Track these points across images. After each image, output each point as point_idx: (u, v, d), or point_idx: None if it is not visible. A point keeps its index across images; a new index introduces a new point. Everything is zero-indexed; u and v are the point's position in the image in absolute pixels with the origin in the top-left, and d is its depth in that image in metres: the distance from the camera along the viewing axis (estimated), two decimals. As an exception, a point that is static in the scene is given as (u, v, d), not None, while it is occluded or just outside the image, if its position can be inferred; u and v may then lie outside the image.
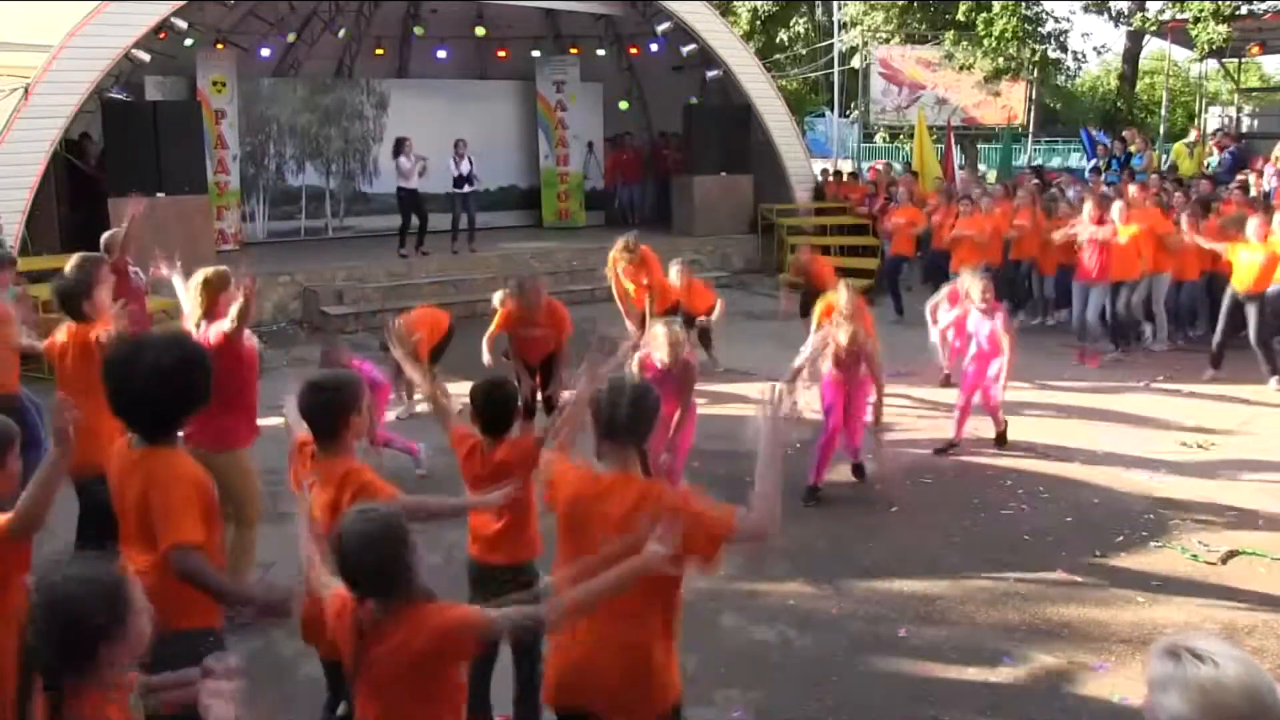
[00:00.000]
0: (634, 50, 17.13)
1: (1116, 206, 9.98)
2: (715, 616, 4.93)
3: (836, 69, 21.50)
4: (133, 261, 6.97)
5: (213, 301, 4.84)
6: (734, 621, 4.92)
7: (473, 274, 12.63)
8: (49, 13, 12.10)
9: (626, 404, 2.76)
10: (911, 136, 18.68)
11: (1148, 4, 19.53)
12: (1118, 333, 10.08)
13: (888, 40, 20.55)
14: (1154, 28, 18.26)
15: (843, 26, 21.44)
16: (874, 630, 4.83)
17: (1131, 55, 22.17)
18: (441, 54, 16.86)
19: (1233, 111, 19.98)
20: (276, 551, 4.92)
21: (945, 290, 8.90)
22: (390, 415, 8.01)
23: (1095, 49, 46.63)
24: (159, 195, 11.53)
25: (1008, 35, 18.22)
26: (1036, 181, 13.64)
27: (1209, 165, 14.86)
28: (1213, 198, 11.62)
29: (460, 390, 7.60)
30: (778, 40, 26.18)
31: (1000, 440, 7.37)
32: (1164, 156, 16.36)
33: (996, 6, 18.32)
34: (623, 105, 18.00)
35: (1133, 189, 11.22)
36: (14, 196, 10.47)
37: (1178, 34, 17.24)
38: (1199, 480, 6.72)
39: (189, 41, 13.31)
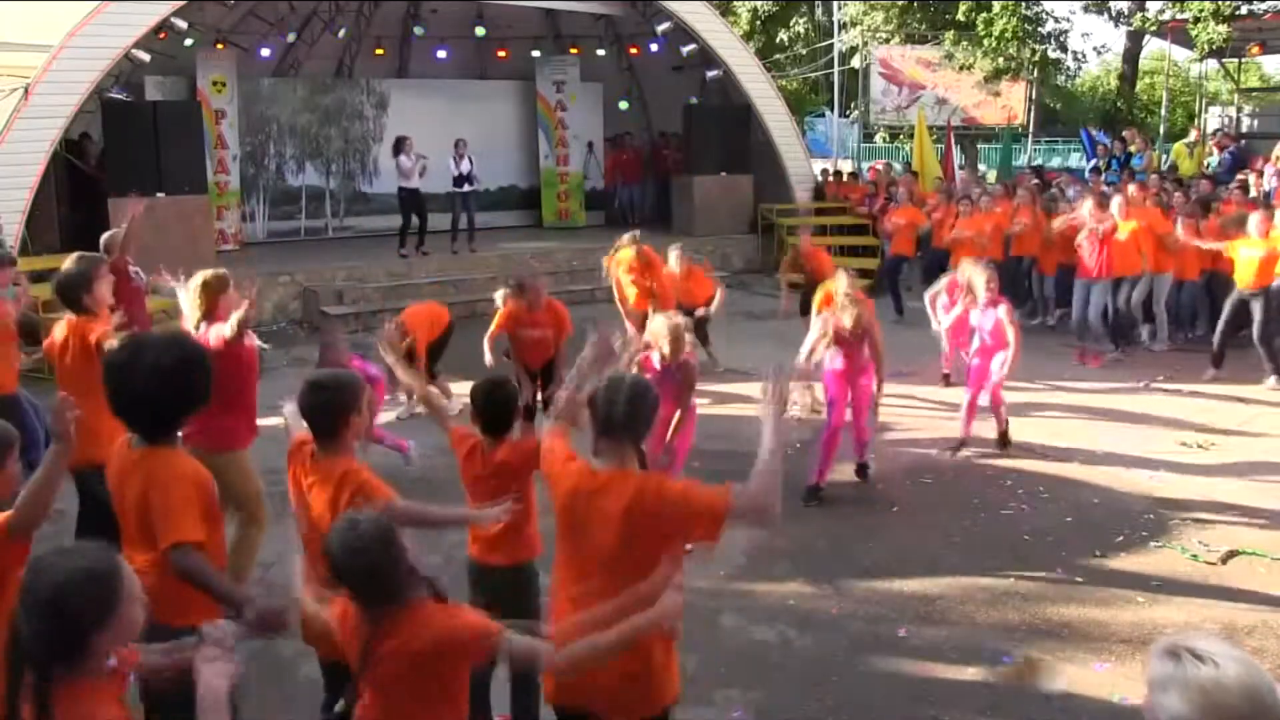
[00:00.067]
0: (634, 50, 17.14)
1: (1116, 201, 9.99)
2: (715, 616, 4.93)
3: (836, 69, 21.50)
4: (133, 261, 6.98)
5: (212, 304, 4.84)
6: (734, 621, 4.92)
7: (473, 274, 12.62)
8: (49, 13, 12.10)
9: (624, 401, 2.75)
10: (911, 136, 18.68)
11: (1148, 4, 19.53)
12: (1118, 332, 10.08)
13: (888, 40, 20.54)
14: (1154, 28, 18.26)
15: (843, 26, 21.44)
16: (874, 630, 4.83)
17: (1131, 55, 22.16)
18: (441, 54, 16.87)
19: (1233, 111, 19.98)
20: (277, 551, 4.92)
21: (944, 280, 8.90)
22: (390, 415, 8.03)
23: (1095, 49, 46.67)
24: (159, 195, 11.54)
25: (1008, 35, 18.22)
26: (1036, 181, 13.64)
27: (1209, 165, 14.86)
28: (1213, 198, 11.62)
29: (461, 390, 7.62)
30: (778, 40, 26.18)
31: (1003, 441, 7.29)
32: (1164, 156, 16.35)
33: (996, 6, 18.32)
34: (623, 105, 18.01)
35: (1132, 188, 11.23)
36: (14, 196, 10.47)
37: (1178, 34, 17.24)
38: (1199, 480, 6.72)
39: (189, 41, 13.31)
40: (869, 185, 16.34)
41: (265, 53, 15.59)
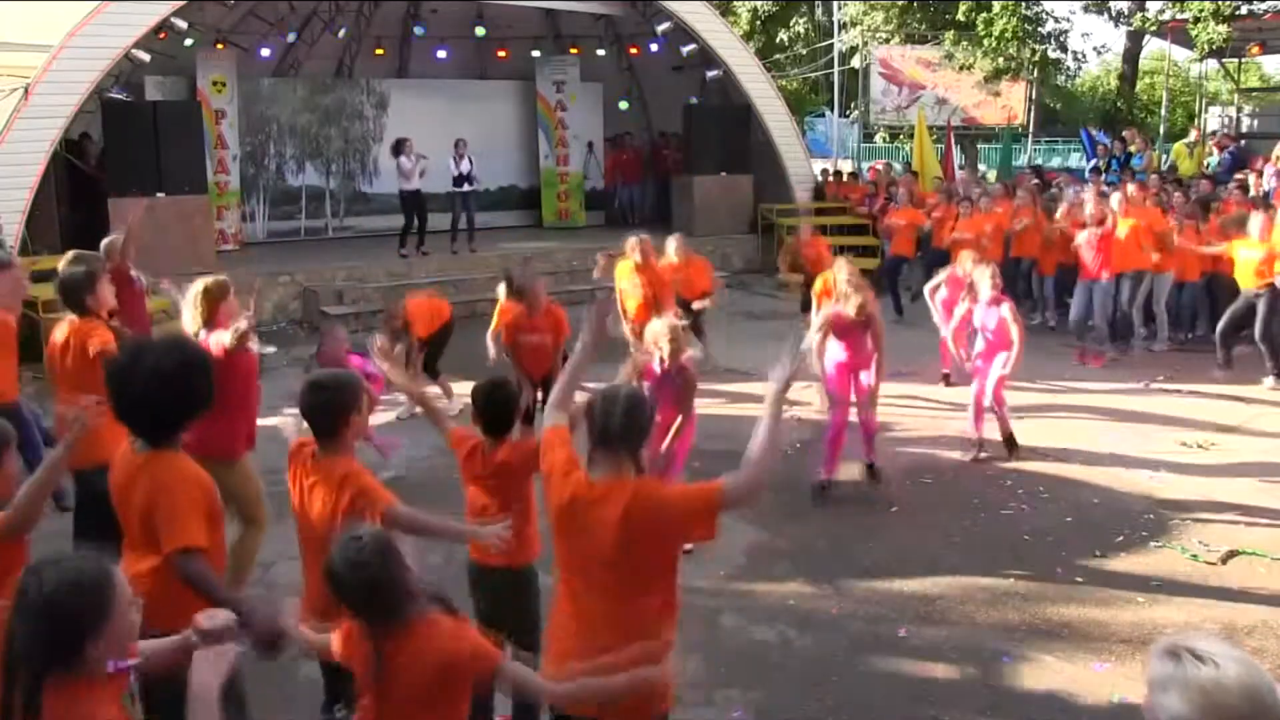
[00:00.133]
0: (634, 50, 17.14)
1: (1115, 199, 10.00)
2: (715, 616, 4.93)
3: (836, 69, 21.50)
4: (134, 265, 6.98)
5: (213, 310, 4.82)
6: (734, 621, 4.92)
7: (473, 274, 12.62)
8: (49, 13, 12.10)
9: (620, 412, 2.74)
10: (911, 136, 18.68)
11: (1148, 4, 19.52)
12: (1117, 332, 10.08)
13: (888, 40, 20.54)
14: (1154, 28, 18.25)
15: (843, 26, 21.44)
16: (874, 630, 4.83)
17: (1131, 55, 22.16)
18: (441, 54, 16.87)
19: (1233, 111, 19.99)
20: (277, 551, 4.92)
21: (944, 274, 8.91)
22: (390, 415, 8.03)
23: (1095, 49, 46.61)
24: (159, 195, 11.55)
25: (1008, 35, 18.21)
26: (1036, 181, 13.64)
27: (1209, 165, 14.86)
28: (1212, 198, 11.63)
29: (462, 390, 7.62)
30: (778, 40, 26.17)
31: (1009, 445, 7.17)
32: (1164, 156, 16.36)
33: (996, 6, 18.31)
34: (623, 105, 18.01)
35: (1131, 188, 11.23)
36: (14, 196, 10.47)
37: (1178, 34, 17.24)
38: (1199, 480, 6.72)
39: (189, 41, 13.32)
40: (869, 185, 16.34)
41: (265, 53, 15.59)
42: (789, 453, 7.14)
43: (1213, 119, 20.70)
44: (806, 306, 8.79)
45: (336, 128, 15.89)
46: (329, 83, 16.35)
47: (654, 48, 16.18)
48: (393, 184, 13.83)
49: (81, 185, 12.46)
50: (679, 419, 5.50)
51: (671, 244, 9.15)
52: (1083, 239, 9.71)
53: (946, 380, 9.03)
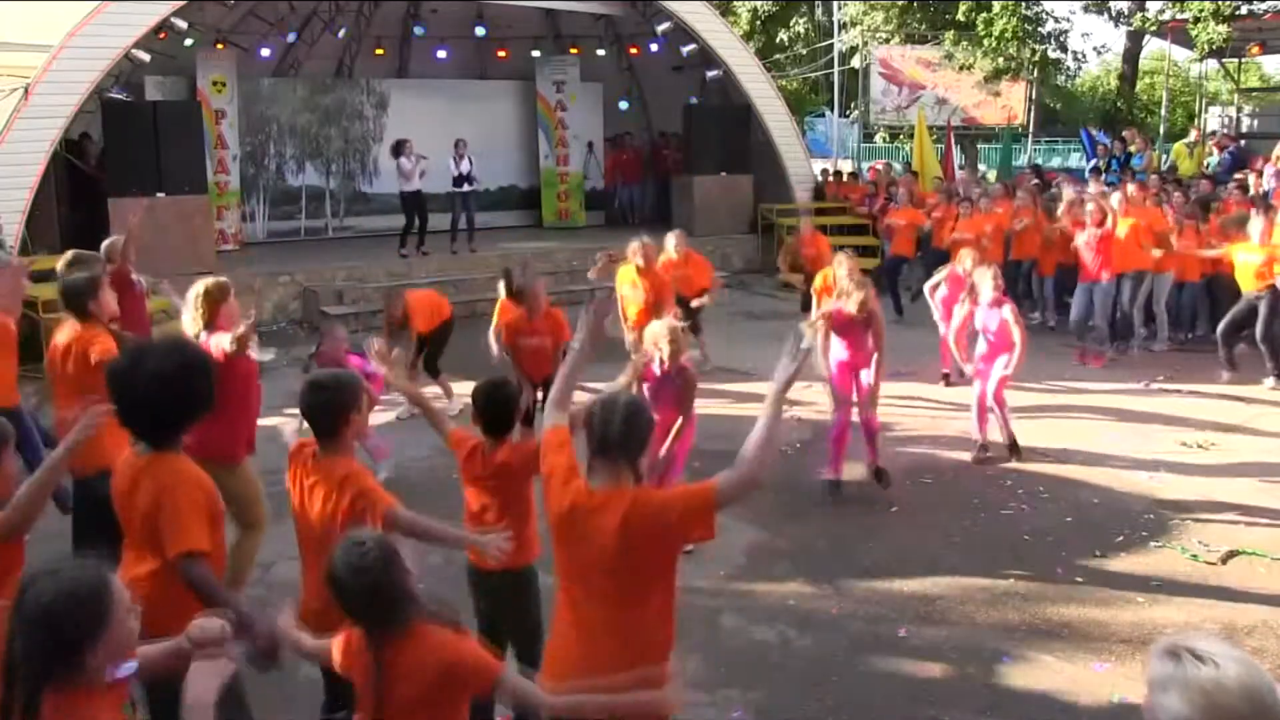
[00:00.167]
0: (634, 50, 17.14)
1: (1114, 198, 10.00)
2: (715, 616, 4.93)
3: (836, 69, 21.50)
4: (134, 267, 6.98)
5: (213, 312, 4.81)
6: (734, 621, 4.92)
7: (473, 274, 12.62)
8: (49, 13, 12.10)
9: (619, 421, 2.73)
10: (911, 136, 18.68)
11: (1148, 4, 19.52)
12: (1117, 332, 10.08)
13: (888, 40, 20.54)
14: (1154, 28, 18.25)
15: (843, 26, 21.44)
16: (874, 630, 4.83)
17: (1131, 55, 22.16)
18: (441, 54, 16.87)
19: (1233, 111, 19.99)
20: (276, 552, 4.92)
21: (944, 271, 8.91)
22: (390, 415, 8.03)
23: (1095, 49, 46.61)
24: (159, 195, 11.55)
25: (1008, 35, 18.21)
26: (1036, 181, 13.64)
27: (1209, 165, 14.86)
28: (1212, 198, 11.63)
29: (462, 390, 7.62)
30: (778, 40, 26.17)
31: (1013, 449, 7.13)
32: (1164, 156, 16.36)
33: (996, 6, 18.31)
34: (623, 105, 18.00)
35: (1131, 188, 11.22)
36: (14, 196, 10.47)
37: (1178, 34, 17.24)
38: (1199, 480, 6.72)
39: (189, 41, 13.32)
40: (869, 185, 16.34)
41: (265, 53, 15.59)
42: (789, 452, 7.14)
43: (1213, 119, 20.69)
44: (807, 306, 8.78)
45: (336, 128, 15.89)
46: (329, 83, 16.35)
47: (654, 48, 16.18)
48: (393, 184, 13.84)
49: (81, 185, 12.46)
50: (679, 421, 5.49)
51: (671, 241, 9.13)
52: (1082, 241, 9.71)
53: (946, 380, 9.03)
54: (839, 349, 6.43)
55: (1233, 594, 5.13)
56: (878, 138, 25.66)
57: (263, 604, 4.40)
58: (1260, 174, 13.38)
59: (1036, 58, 18.93)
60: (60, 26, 11.18)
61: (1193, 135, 16.66)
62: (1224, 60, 18.38)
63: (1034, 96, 20.73)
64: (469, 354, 8.17)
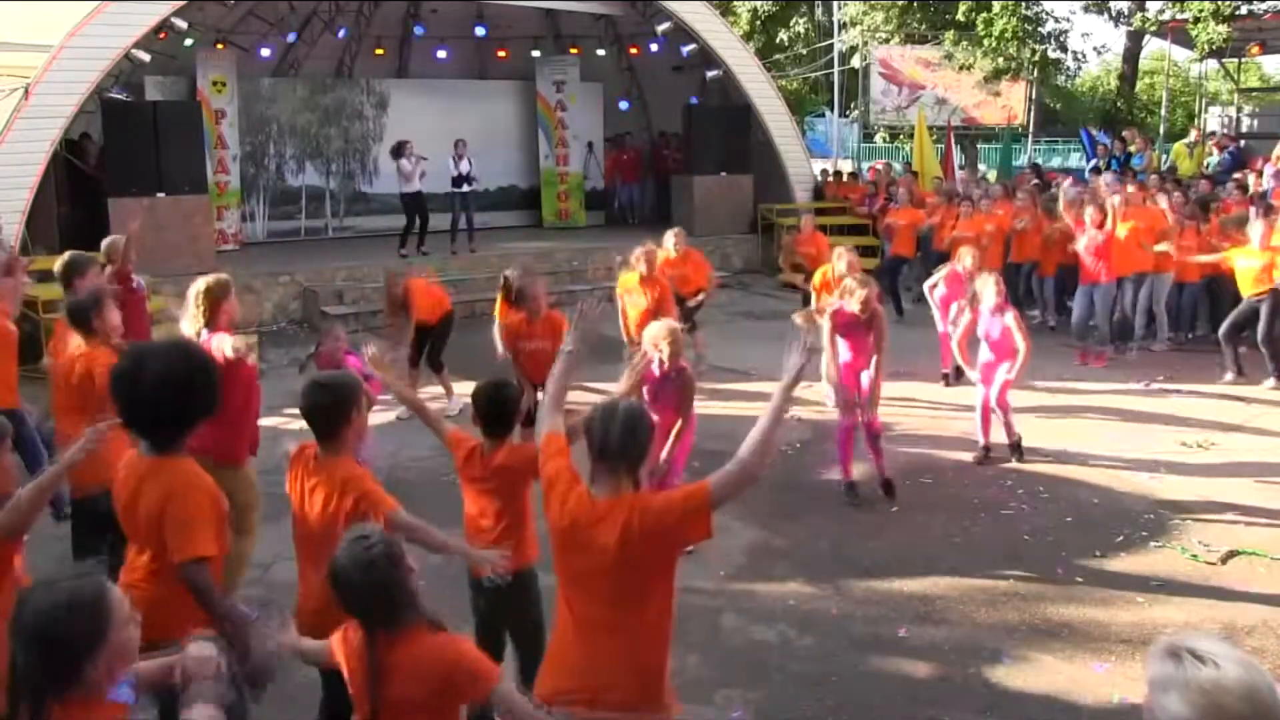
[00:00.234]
0: (634, 50, 17.14)
1: (1114, 201, 9.98)
2: (715, 616, 4.93)
3: (836, 69, 21.50)
4: (134, 267, 6.98)
5: (214, 310, 4.79)
6: (734, 621, 4.92)
7: (473, 274, 12.63)
8: (49, 13, 12.11)
9: (619, 428, 2.73)
10: (911, 136, 18.69)
11: (1148, 4, 19.52)
12: (1117, 333, 10.08)
13: (887, 40, 20.54)
14: (1154, 28, 18.25)
15: (843, 26, 21.44)
16: (874, 630, 4.83)
17: (1131, 55, 22.16)
18: (441, 54, 16.88)
19: (1233, 111, 19.99)
20: (275, 552, 4.92)
21: (944, 270, 8.90)
22: (390, 415, 8.03)
23: (1095, 49, 46.70)
24: (159, 195, 11.56)
25: (1008, 35, 18.21)
26: (1036, 181, 13.63)
27: (1209, 165, 14.86)
28: (1211, 198, 11.62)
29: (463, 390, 7.62)
30: (778, 40, 26.16)
31: (1016, 450, 7.12)
32: (1164, 156, 16.36)
33: (996, 6, 18.31)
34: (623, 105, 18.00)
35: (1131, 188, 11.22)
36: (14, 196, 10.47)
37: (1178, 34, 17.24)
38: (1199, 480, 6.72)
39: (189, 41, 13.33)
40: (869, 185, 16.35)
41: (265, 53, 15.60)
42: (788, 452, 7.15)
43: (1213, 119, 20.70)
44: (807, 304, 8.77)
45: (336, 128, 15.89)
46: (329, 83, 16.34)
47: (654, 48, 16.18)
48: (393, 184, 13.86)
49: (81, 185, 12.46)
50: (678, 423, 5.49)
51: (670, 239, 9.12)
52: (1082, 244, 9.68)
53: (946, 380, 9.03)
54: (843, 351, 6.42)
55: (1233, 594, 5.13)
56: (878, 138, 25.67)
57: (263, 604, 4.41)
58: (1260, 174, 13.38)
59: (1036, 58, 18.93)
60: (60, 26, 11.18)
61: (1193, 135, 16.66)
62: (1224, 60, 18.38)
63: (1034, 96, 20.73)
64: (469, 354, 8.18)
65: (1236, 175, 13.21)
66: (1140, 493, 6.51)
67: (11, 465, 3.05)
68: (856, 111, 21.77)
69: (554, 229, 16.65)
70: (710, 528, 2.68)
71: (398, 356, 8.30)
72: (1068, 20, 21.51)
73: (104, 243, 7.01)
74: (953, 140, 18.74)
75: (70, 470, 3.16)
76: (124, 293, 6.10)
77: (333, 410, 3.26)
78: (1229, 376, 9.09)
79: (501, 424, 3.73)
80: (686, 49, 15.27)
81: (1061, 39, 19.69)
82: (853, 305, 6.25)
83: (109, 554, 3.39)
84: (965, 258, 8.62)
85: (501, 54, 17.32)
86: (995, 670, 4.45)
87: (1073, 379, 9.25)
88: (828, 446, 6.84)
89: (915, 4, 20.41)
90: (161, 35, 11.85)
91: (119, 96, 12.62)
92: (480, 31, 16.52)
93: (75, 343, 4.69)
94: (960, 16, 19.18)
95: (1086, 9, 20.80)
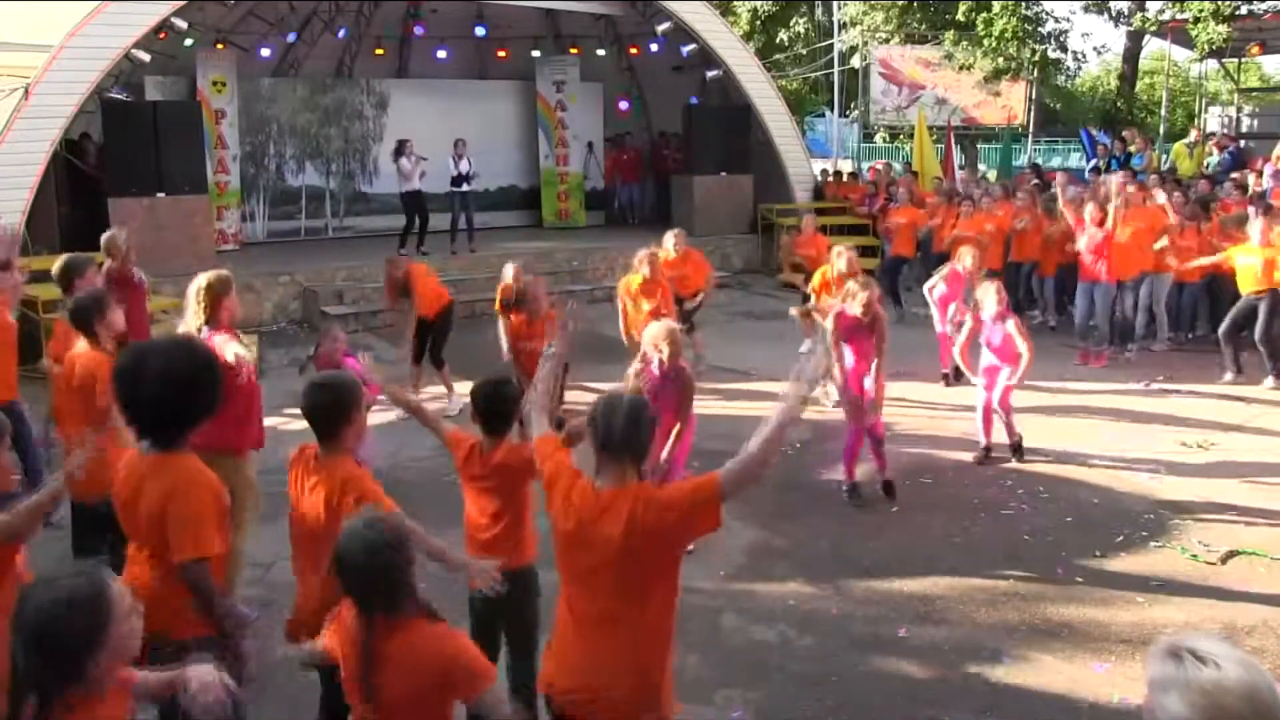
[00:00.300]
0: (634, 50, 17.14)
1: (1116, 202, 9.98)
2: (715, 616, 4.93)
3: (836, 69, 21.50)
4: (134, 261, 6.98)
5: (215, 307, 4.78)
6: (734, 621, 4.92)
7: (472, 274, 12.63)
8: (49, 13, 12.11)
9: (622, 419, 2.74)
10: (911, 136, 18.69)
11: (1148, 4, 19.53)
12: (1117, 333, 10.07)
13: (887, 40, 20.55)
14: (1154, 28, 18.26)
15: (843, 26, 21.45)
16: (874, 630, 4.82)
17: (1131, 55, 22.16)
18: (441, 54, 16.88)
19: (1233, 111, 19.99)
20: (275, 552, 4.92)
21: (945, 270, 8.90)
22: (391, 415, 8.02)
23: (1095, 49, 46.72)
24: (159, 195, 11.56)
25: (1008, 35, 18.22)
26: (1036, 181, 13.63)
27: (1209, 165, 14.85)
28: (1211, 198, 11.62)
29: (464, 389, 7.62)
30: (778, 40, 26.17)
31: (1017, 451, 7.13)
32: (1164, 157, 16.36)
33: (996, 6, 18.32)
34: (623, 105, 18.00)
35: (1131, 188, 11.20)
36: (14, 196, 10.47)
37: (1178, 34, 17.24)
38: (1199, 480, 6.72)
39: (189, 41, 13.32)
40: (869, 185, 16.34)
41: (265, 53, 15.60)
42: (788, 452, 7.14)
43: (1213, 119, 20.70)
44: (806, 304, 8.77)
45: (336, 128, 15.90)
46: (329, 83, 16.35)
47: (654, 48, 16.18)
48: (393, 184, 13.87)
49: (81, 185, 12.46)
50: (677, 425, 5.49)
51: (670, 239, 9.13)
52: (1083, 243, 9.68)
53: (946, 380, 9.03)
54: (847, 356, 6.41)
55: (1233, 594, 5.13)
56: (878, 138, 25.68)
57: (263, 604, 4.41)
58: (1260, 174, 13.38)
59: (1036, 58, 18.94)
60: (60, 26, 11.18)
61: (1193, 135, 16.65)
62: (1224, 60, 18.38)
63: (1034, 96, 20.73)
64: (469, 354, 8.18)
65: (1235, 175, 13.21)
66: (1140, 493, 6.51)
67: (8, 463, 3.05)
68: (856, 111, 21.78)
69: (554, 229, 16.65)
70: (719, 518, 2.68)
71: (401, 355, 8.32)
72: (1068, 20, 21.57)
73: (104, 237, 7.01)
74: (953, 140, 18.75)
75: (66, 488, 3.16)
76: (125, 291, 6.10)
77: (333, 410, 3.26)
78: (1228, 376, 9.09)
79: (501, 421, 3.73)
80: (686, 49, 15.27)
81: (1061, 39, 19.72)
82: (855, 308, 6.25)
83: (109, 553, 3.40)
84: (965, 258, 8.63)
85: (501, 54, 17.32)
86: (995, 670, 4.45)
87: (1073, 379, 9.25)
88: (828, 446, 6.84)
89: (915, 4, 20.42)
90: (161, 35, 11.85)
91: (119, 96, 12.62)
92: (480, 31, 16.53)
93: (78, 345, 4.69)
94: (960, 16, 19.19)
95: (1086, 9, 20.81)
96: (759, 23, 27.03)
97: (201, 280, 4.83)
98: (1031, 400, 8.39)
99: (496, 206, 16.73)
